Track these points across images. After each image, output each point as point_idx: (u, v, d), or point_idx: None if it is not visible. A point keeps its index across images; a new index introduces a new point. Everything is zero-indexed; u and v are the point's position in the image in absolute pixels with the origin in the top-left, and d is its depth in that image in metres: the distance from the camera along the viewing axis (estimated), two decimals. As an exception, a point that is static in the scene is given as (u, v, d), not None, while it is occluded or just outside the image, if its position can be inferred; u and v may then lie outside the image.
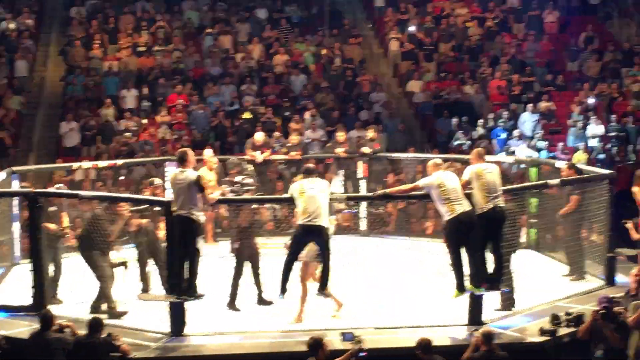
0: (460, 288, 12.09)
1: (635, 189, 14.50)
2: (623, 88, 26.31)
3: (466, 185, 12.13)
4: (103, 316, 12.03)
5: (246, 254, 13.31)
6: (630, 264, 14.62)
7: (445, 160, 14.22)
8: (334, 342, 11.08)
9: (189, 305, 12.09)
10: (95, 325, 10.83)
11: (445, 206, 11.93)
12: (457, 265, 12.07)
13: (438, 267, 14.99)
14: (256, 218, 13.59)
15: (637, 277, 11.88)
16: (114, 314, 12.70)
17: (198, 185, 11.73)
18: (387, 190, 13.06)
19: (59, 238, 13.72)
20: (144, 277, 13.70)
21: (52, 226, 13.45)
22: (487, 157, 13.49)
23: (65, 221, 13.88)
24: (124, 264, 13.29)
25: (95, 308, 12.88)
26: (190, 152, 12.23)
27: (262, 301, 13.39)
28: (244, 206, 13.29)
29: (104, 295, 12.92)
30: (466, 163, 13.32)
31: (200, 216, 11.87)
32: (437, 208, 12.18)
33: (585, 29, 28.67)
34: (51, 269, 13.53)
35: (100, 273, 12.88)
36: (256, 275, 13.42)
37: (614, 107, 25.21)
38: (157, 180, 14.32)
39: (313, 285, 12.56)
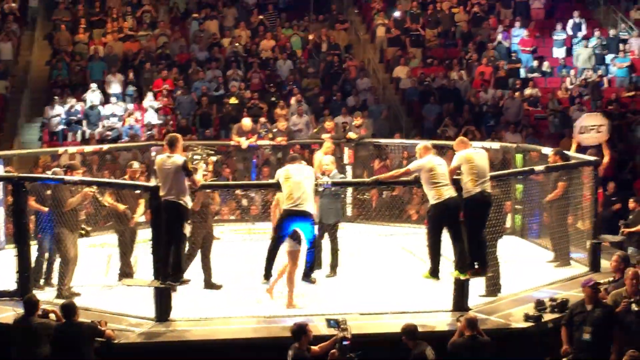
0: (434, 273, 12.16)
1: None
2: (608, 75, 26.39)
3: (455, 171, 12.11)
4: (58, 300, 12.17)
5: (200, 237, 13.30)
6: (614, 250, 14.69)
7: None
8: (319, 328, 11.12)
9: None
10: (69, 310, 10.76)
11: (434, 190, 11.92)
12: (434, 249, 12.12)
13: (423, 253, 15.02)
14: (209, 202, 13.55)
15: (615, 262, 12.01)
16: (63, 295, 12.64)
17: (185, 170, 11.68)
18: (380, 176, 13.03)
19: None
20: (127, 262, 13.67)
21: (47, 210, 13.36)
22: (474, 144, 13.52)
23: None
24: (85, 232, 13.22)
25: (60, 291, 12.89)
26: (180, 137, 12.19)
27: (210, 285, 13.38)
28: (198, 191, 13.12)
29: (61, 274, 12.89)
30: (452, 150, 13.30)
31: (188, 201, 11.82)
32: (425, 191, 12.19)
33: (571, 16, 28.68)
34: (47, 253, 13.52)
35: (64, 252, 12.85)
36: (206, 259, 13.44)
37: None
38: (136, 164, 14.24)
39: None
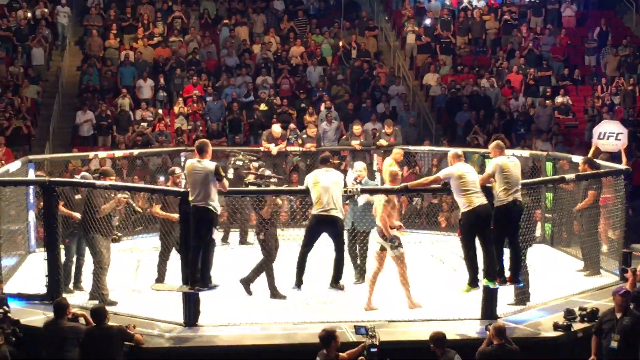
0: (473, 283, 12.04)
1: None
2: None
3: (489, 178, 12.03)
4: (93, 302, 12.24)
5: (273, 242, 13.31)
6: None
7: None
8: (347, 334, 11.11)
9: (203, 296, 12.10)
10: (99, 314, 10.83)
11: (464, 198, 11.85)
12: (470, 258, 12.01)
13: (452, 261, 14.98)
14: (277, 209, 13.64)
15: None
16: (106, 301, 12.61)
17: (217, 175, 11.70)
18: (409, 184, 12.97)
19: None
20: (160, 268, 13.67)
21: (77, 215, 13.39)
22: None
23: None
24: (117, 238, 13.23)
25: (102, 297, 12.90)
26: (209, 143, 12.21)
27: (274, 294, 13.36)
28: (266, 198, 13.20)
29: (97, 281, 12.91)
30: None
31: (217, 206, 11.84)
32: (455, 199, 12.13)
33: (601, 24, 28.54)
34: (75, 257, 13.58)
35: (99, 258, 12.88)
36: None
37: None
38: (178, 170, 14.27)
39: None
